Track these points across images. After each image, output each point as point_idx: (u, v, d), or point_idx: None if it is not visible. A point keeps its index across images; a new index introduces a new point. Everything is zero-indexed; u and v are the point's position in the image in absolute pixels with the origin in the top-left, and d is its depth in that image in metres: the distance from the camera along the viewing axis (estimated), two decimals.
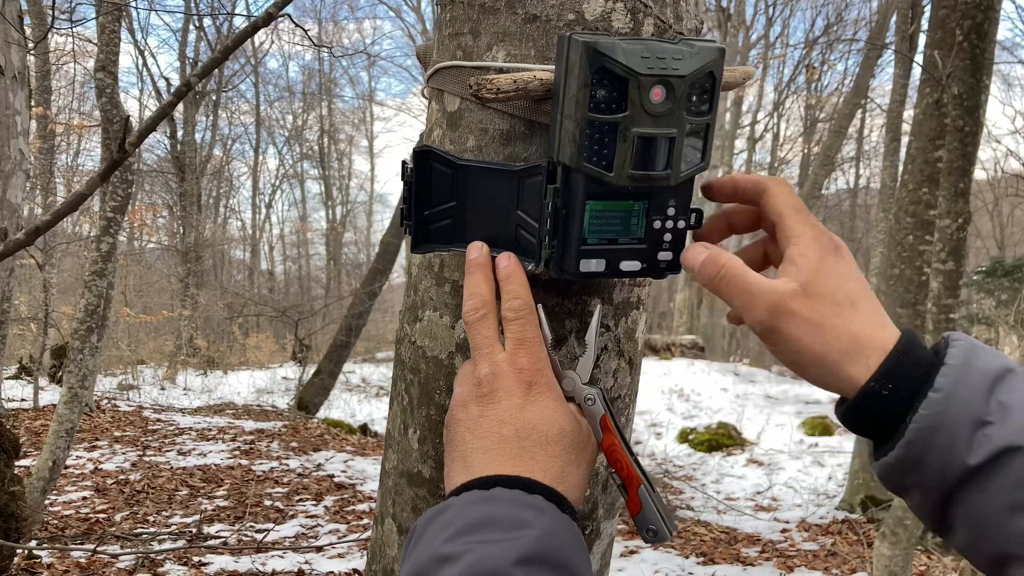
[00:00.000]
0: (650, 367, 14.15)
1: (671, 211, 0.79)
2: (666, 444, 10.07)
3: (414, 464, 0.94)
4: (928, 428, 0.59)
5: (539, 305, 0.79)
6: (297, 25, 1.80)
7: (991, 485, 0.57)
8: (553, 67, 0.77)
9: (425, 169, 0.83)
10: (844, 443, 9.28)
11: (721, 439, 10.19)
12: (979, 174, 24.61)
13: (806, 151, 23.13)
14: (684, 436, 10.46)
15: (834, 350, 0.64)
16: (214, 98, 21.44)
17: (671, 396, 12.47)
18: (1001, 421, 0.57)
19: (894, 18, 12.77)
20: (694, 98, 0.76)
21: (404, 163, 0.83)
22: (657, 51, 0.73)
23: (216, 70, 20.21)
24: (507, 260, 0.79)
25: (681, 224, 0.80)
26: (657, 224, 0.79)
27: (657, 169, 0.75)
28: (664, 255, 0.80)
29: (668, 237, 0.79)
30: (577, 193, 0.76)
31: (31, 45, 3.50)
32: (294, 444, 7.97)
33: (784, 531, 6.11)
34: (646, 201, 0.78)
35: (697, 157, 0.78)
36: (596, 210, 0.77)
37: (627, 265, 0.79)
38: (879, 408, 0.63)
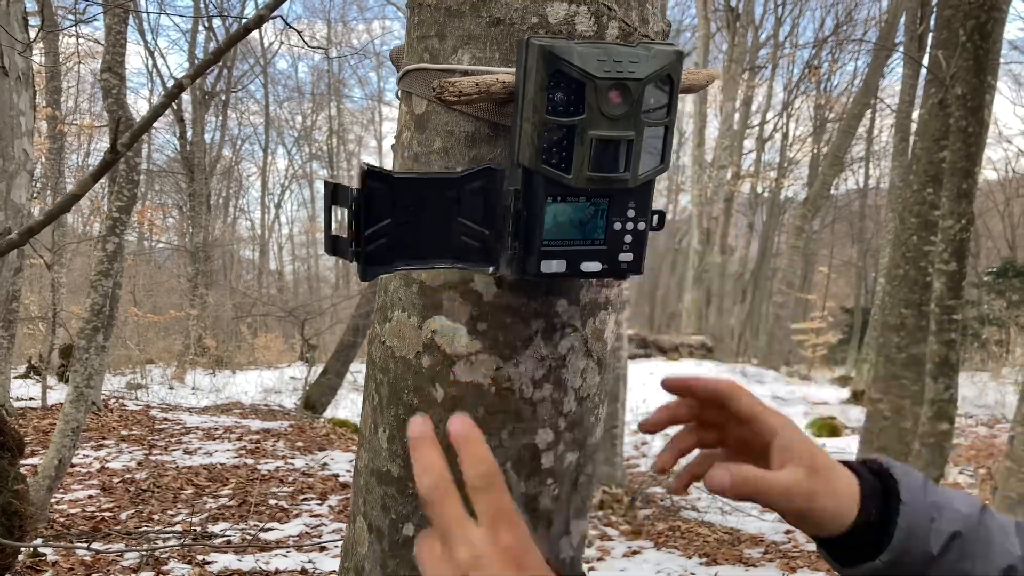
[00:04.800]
0: (658, 367, 14.14)
1: (631, 212, 0.79)
2: None
3: (383, 463, 0.94)
4: (901, 550, 0.74)
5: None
6: (289, 26, 1.82)
7: (944, 565, 0.74)
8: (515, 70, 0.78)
9: (369, 189, 0.78)
10: (852, 444, 9.25)
11: None
12: (990, 174, 24.47)
13: (815, 151, 23.05)
14: None
15: (843, 505, 0.76)
16: (223, 98, 21.52)
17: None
18: (939, 518, 0.74)
19: (904, 18, 12.73)
20: (652, 101, 0.76)
21: (329, 184, 0.79)
22: (614, 54, 0.73)
23: (226, 70, 20.28)
24: (460, 423, 0.66)
25: (642, 225, 0.80)
26: (617, 226, 0.79)
27: (616, 171, 0.76)
28: (625, 256, 0.81)
29: (629, 238, 0.80)
30: (537, 195, 0.77)
31: (33, 45, 3.53)
32: (300, 443, 8.00)
33: (788, 532, 6.09)
34: (606, 203, 0.78)
35: (656, 159, 0.78)
36: (556, 212, 0.78)
37: (588, 266, 0.80)
38: (860, 542, 0.77)
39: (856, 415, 10.63)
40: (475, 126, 0.84)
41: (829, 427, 10.36)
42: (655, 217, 0.83)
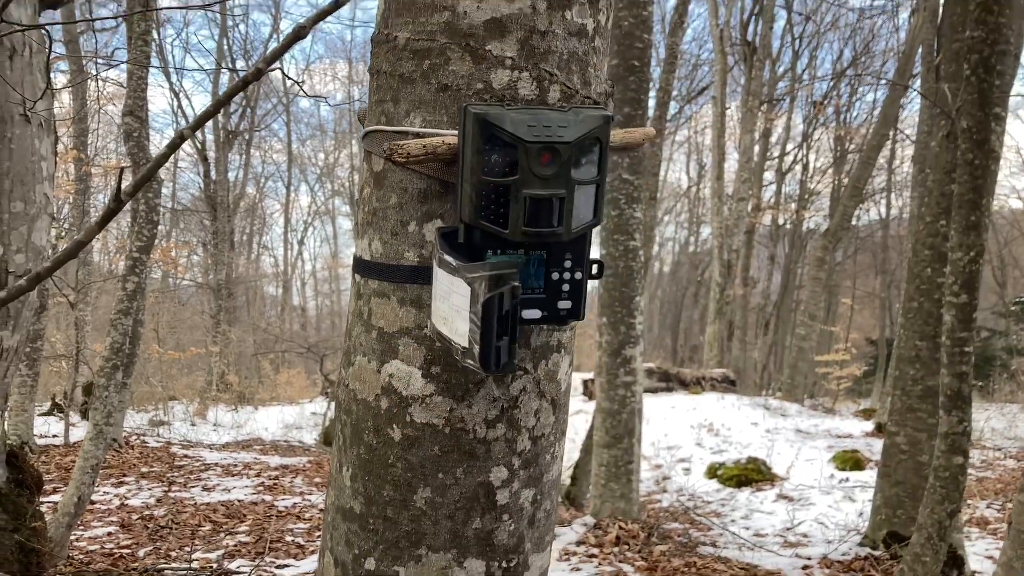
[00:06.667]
0: (679, 401, 14.06)
1: (568, 263, 0.85)
2: (695, 479, 9.98)
3: (347, 500, 1.00)
4: None
5: None
6: (288, 78, 1.90)
7: None
8: None
9: None
10: (875, 478, 9.14)
11: (750, 474, 10.08)
12: (1015, 204, 24.24)
13: (836, 182, 23.00)
14: (713, 471, 10.35)
15: None
16: (247, 137, 21.89)
17: (700, 430, 12.36)
18: None
19: (920, 49, 12.76)
20: (583, 161, 0.82)
21: None
22: (544, 120, 0.80)
23: (249, 110, 20.66)
24: None
25: (579, 275, 0.86)
26: (555, 276, 0.85)
27: (550, 226, 0.81)
28: (564, 304, 0.86)
29: (567, 287, 0.86)
30: (478, 248, 0.82)
31: (60, 91, 3.66)
32: (318, 480, 8.04)
33: (806, 568, 6.03)
34: (543, 254, 0.84)
35: (589, 214, 0.84)
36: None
37: (529, 313, 0.85)
38: None
39: (880, 448, 10.50)
40: (427, 183, 0.90)
41: (853, 460, 10.23)
42: (593, 266, 0.88)
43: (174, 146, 1.98)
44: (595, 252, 0.77)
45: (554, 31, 0.88)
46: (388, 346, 0.94)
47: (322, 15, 1.96)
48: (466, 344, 0.77)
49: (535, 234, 0.81)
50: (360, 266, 0.97)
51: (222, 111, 19.05)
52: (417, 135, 0.89)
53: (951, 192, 5.80)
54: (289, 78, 2.02)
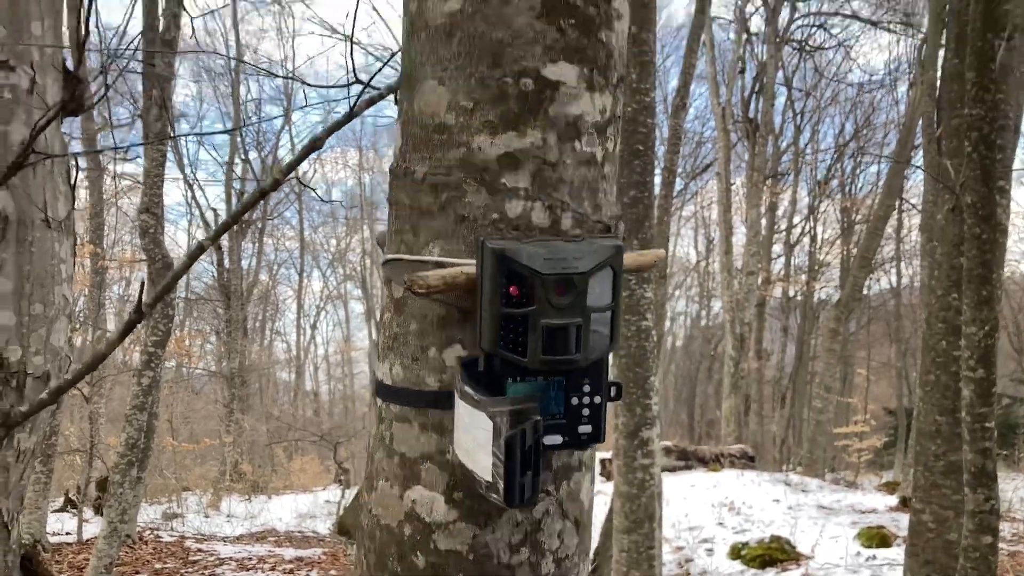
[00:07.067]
0: (699, 480, 13.84)
1: (586, 388, 0.87)
2: (718, 561, 9.76)
3: None
4: None
5: None
6: (304, 186, 1.95)
7: None
8: None
9: None
10: (903, 555, 8.90)
11: (774, 553, 9.85)
12: None
13: (845, 252, 23.03)
14: (736, 552, 10.12)
15: None
16: (260, 226, 22.20)
17: (721, 509, 12.12)
18: None
19: (921, 121, 12.95)
20: (597, 289, 0.85)
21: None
22: (559, 252, 0.82)
23: (263, 200, 21.03)
24: None
25: (597, 400, 0.87)
26: (575, 401, 0.86)
27: (567, 353, 0.83)
28: (584, 428, 0.88)
29: (586, 412, 0.87)
30: (498, 376, 0.84)
31: (77, 189, 3.76)
32: (333, 572, 7.90)
33: None
34: (562, 380, 0.86)
35: (606, 340, 0.86)
36: (517, 390, 0.85)
37: (550, 439, 0.86)
38: None
39: (906, 523, 10.25)
40: (446, 310, 0.93)
41: (879, 537, 9.99)
42: (612, 389, 0.89)
43: (193, 257, 2.02)
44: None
45: (564, 161, 0.91)
46: (410, 472, 0.95)
47: (336, 126, 2.02)
48: (490, 479, 0.78)
49: (553, 362, 0.83)
50: (382, 390, 0.98)
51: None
52: (436, 264, 0.92)
53: (960, 265, 5.80)
54: (305, 186, 2.08)
